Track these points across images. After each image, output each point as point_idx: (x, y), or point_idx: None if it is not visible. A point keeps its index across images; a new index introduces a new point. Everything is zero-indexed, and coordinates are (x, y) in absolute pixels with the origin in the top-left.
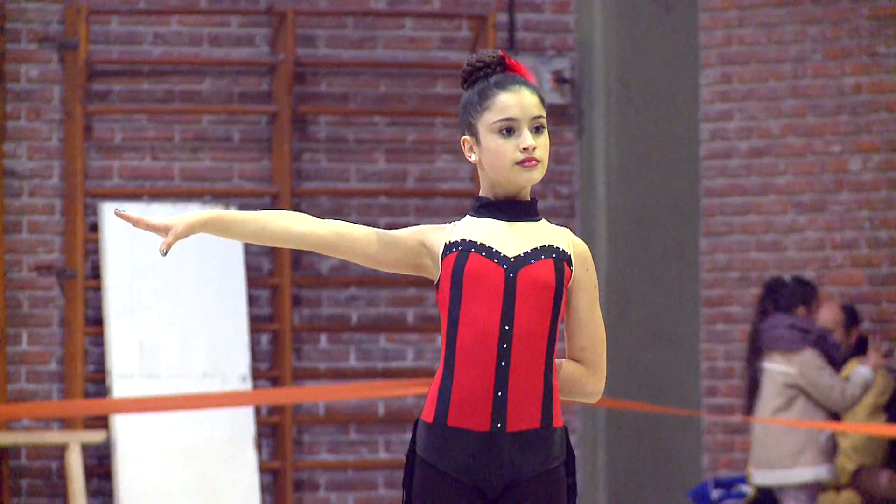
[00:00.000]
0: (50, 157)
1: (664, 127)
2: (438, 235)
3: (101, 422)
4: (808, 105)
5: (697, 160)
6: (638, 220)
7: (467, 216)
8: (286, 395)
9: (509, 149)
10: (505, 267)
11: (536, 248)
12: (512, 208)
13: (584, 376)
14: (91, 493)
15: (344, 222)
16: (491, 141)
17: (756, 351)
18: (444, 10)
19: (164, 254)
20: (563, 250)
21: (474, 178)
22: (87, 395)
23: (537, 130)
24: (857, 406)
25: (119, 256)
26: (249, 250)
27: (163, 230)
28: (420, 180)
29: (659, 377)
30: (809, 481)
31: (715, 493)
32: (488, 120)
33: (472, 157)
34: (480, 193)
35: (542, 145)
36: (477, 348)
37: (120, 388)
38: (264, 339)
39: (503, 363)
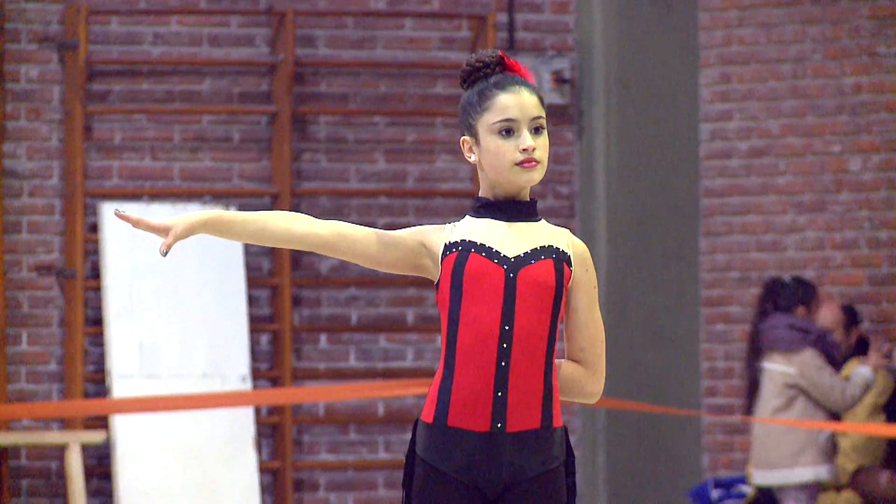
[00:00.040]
0: (50, 158)
1: (664, 127)
2: (438, 236)
3: (101, 422)
4: (808, 105)
5: (697, 160)
6: (638, 220)
7: (467, 216)
8: (286, 395)
9: (509, 149)
10: (505, 267)
11: (536, 249)
12: (511, 209)
13: (584, 377)
14: (91, 493)
15: (344, 223)
16: (490, 142)
17: (756, 351)
18: (443, 10)
19: (165, 254)
20: (562, 251)
21: (474, 178)
22: (86, 395)
23: (537, 131)
24: (857, 406)
25: (119, 256)
26: (249, 250)
27: (163, 231)
28: (420, 180)
29: (659, 377)
30: (809, 481)
31: (715, 493)
32: (488, 120)
33: (472, 158)
34: (480, 194)
35: (541, 146)
36: (477, 348)
37: (120, 388)
38: (264, 339)
39: (503, 363)
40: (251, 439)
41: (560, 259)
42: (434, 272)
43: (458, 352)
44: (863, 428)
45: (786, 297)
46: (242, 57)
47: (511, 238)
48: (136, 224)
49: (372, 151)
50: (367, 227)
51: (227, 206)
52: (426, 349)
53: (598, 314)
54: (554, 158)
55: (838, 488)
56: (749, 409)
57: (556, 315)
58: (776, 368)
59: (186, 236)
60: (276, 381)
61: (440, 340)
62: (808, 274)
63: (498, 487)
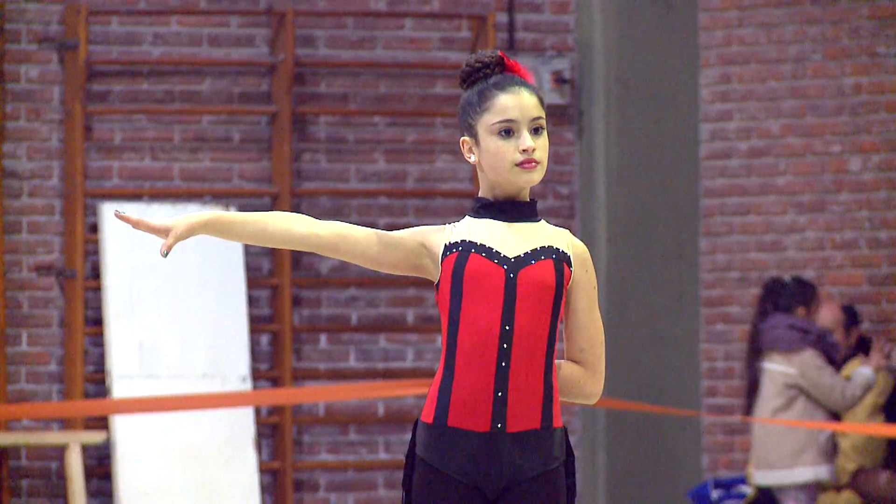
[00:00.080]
0: (50, 158)
1: (664, 127)
2: (438, 236)
3: (101, 422)
4: (808, 105)
5: (697, 160)
6: (638, 220)
7: (466, 217)
8: (286, 395)
9: (509, 150)
10: (505, 267)
11: (536, 249)
12: (511, 209)
13: (583, 377)
14: (91, 493)
15: (344, 224)
16: (490, 142)
17: (756, 351)
18: (443, 10)
19: (165, 255)
20: (562, 251)
21: (474, 178)
22: (87, 395)
23: (536, 131)
24: (857, 406)
25: (119, 257)
26: (249, 251)
27: (163, 232)
28: (420, 180)
29: (659, 377)
30: (809, 481)
31: (715, 494)
32: (487, 121)
33: (472, 159)
34: (480, 194)
35: (541, 146)
36: (477, 349)
37: (120, 388)
38: (264, 339)
39: (503, 364)
40: (251, 439)
41: (560, 259)
42: (434, 273)
43: (459, 352)
44: (863, 428)
45: (786, 297)
46: (242, 57)
47: (511, 238)
48: (137, 225)
49: (372, 151)
50: (367, 228)
51: (227, 207)
52: (426, 349)
53: (597, 315)
54: (554, 158)
55: (838, 488)
56: (749, 409)
57: (556, 315)
58: (776, 369)
59: (187, 237)
60: (276, 382)
61: (440, 341)
62: (808, 274)
63: (498, 488)
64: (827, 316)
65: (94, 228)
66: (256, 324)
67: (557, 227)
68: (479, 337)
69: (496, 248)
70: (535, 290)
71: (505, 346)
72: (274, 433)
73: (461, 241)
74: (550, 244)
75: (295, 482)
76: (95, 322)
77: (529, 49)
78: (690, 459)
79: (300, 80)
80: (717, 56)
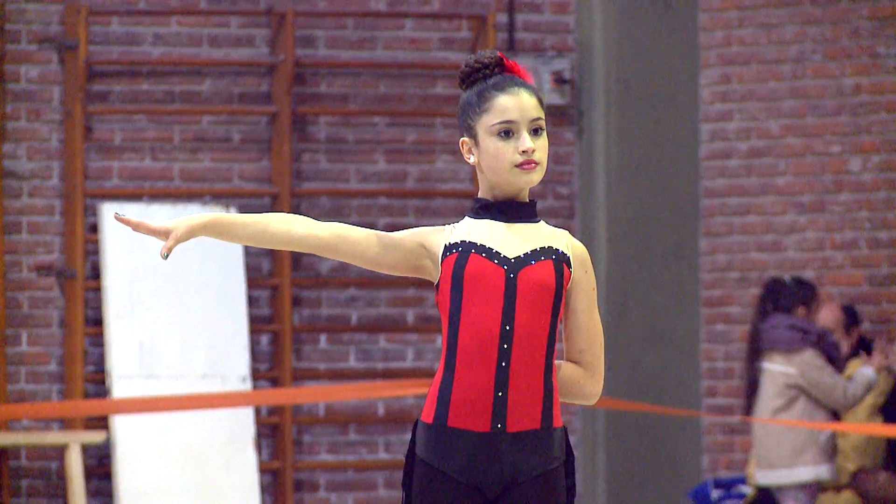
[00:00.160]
0: (50, 158)
1: (664, 127)
2: (438, 237)
3: (101, 422)
4: (808, 105)
5: (697, 160)
6: (638, 220)
7: (466, 217)
8: (286, 395)
9: (508, 151)
10: (505, 268)
11: (536, 250)
12: (511, 210)
13: (583, 378)
14: (91, 493)
15: (344, 225)
16: (490, 143)
17: (756, 351)
18: (443, 10)
19: (166, 258)
20: (562, 252)
21: (474, 178)
22: (86, 395)
23: (536, 132)
24: (857, 406)
25: (119, 257)
26: (249, 251)
27: (163, 234)
28: (420, 181)
29: (659, 377)
30: (809, 481)
31: (715, 494)
32: (487, 122)
33: (471, 159)
34: (479, 195)
35: (540, 147)
36: (477, 349)
37: (120, 388)
38: (264, 339)
39: (503, 364)
40: (251, 440)
41: (560, 260)
42: (434, 273)
43: (459, 352)
44: (863, 428)
45: (786, 297)
46: (242, 57)
47: (511, 239)
48: (137, 228)
49: (372, 152)
50: (367, 229)
51: (227, 207)
52: (426, 349)
53: (597, 315)
54: (554, 159)
55: (838, 488)
56: (749, 409)
57: (556, 316)
58: (776, 369)
59: (187, 239)
60: (276, 382)
61: (440, 341)
62: (808, 274)
63: (498, 487)
64: (827, 316)
65: (94, 229)
66: (256, 324)
67: (557, 228)
68: (480, 337)
69: (496, 248)
70: (535, 290)
71: (505, 346)
72: (274, 433)
73: (461, 241)
74: (550, 245)
75: (295, 482)
76: (95, 322)
77: (529, 49)
78: (690, 459)
79: (300, 81)
80: (717, 56)
